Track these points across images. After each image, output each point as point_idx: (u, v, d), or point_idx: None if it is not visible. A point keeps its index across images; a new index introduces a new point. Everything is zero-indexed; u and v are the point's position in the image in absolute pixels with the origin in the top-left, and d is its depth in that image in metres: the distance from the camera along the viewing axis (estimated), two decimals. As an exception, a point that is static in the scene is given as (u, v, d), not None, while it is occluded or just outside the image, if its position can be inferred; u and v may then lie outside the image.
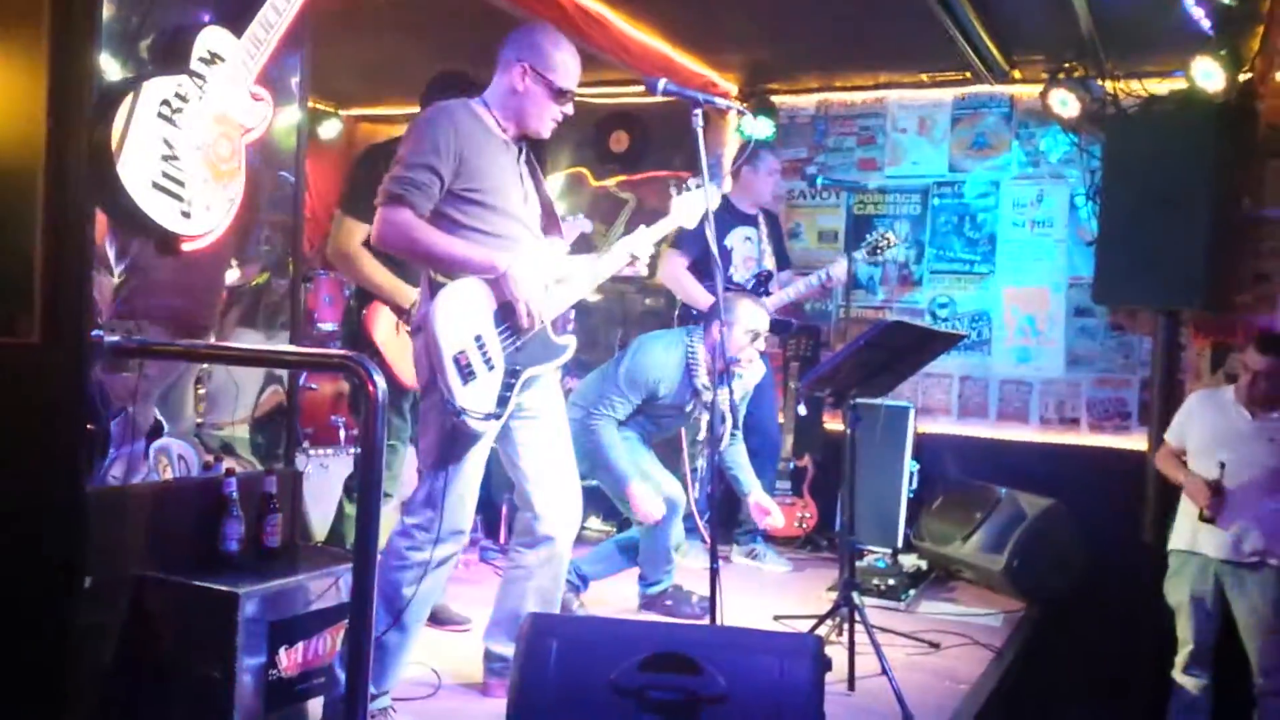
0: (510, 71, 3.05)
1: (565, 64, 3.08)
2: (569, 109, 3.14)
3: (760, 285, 5.40)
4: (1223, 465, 4.19)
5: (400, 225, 2.90)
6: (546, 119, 3.12)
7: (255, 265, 4.00)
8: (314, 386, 5.09)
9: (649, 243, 3.40)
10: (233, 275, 3.80)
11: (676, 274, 5.34)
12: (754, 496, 4.56)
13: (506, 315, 3.01)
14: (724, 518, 5.43)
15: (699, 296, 5.25)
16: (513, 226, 3.07)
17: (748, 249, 5.46)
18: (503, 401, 3.01)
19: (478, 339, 2.95)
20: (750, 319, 4.41)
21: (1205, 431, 4.36)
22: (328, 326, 5.26)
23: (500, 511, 5.31)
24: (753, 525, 5.45)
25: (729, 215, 5.43)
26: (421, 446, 3.12)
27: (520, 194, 3.12)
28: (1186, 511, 4.36)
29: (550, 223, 3.26)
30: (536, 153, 3.29)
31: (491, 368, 2.98)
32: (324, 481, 4.65)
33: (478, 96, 3.11)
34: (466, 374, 2.91)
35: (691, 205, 3.48)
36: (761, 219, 5.53)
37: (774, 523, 4.56)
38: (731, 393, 3.75)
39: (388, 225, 2.92)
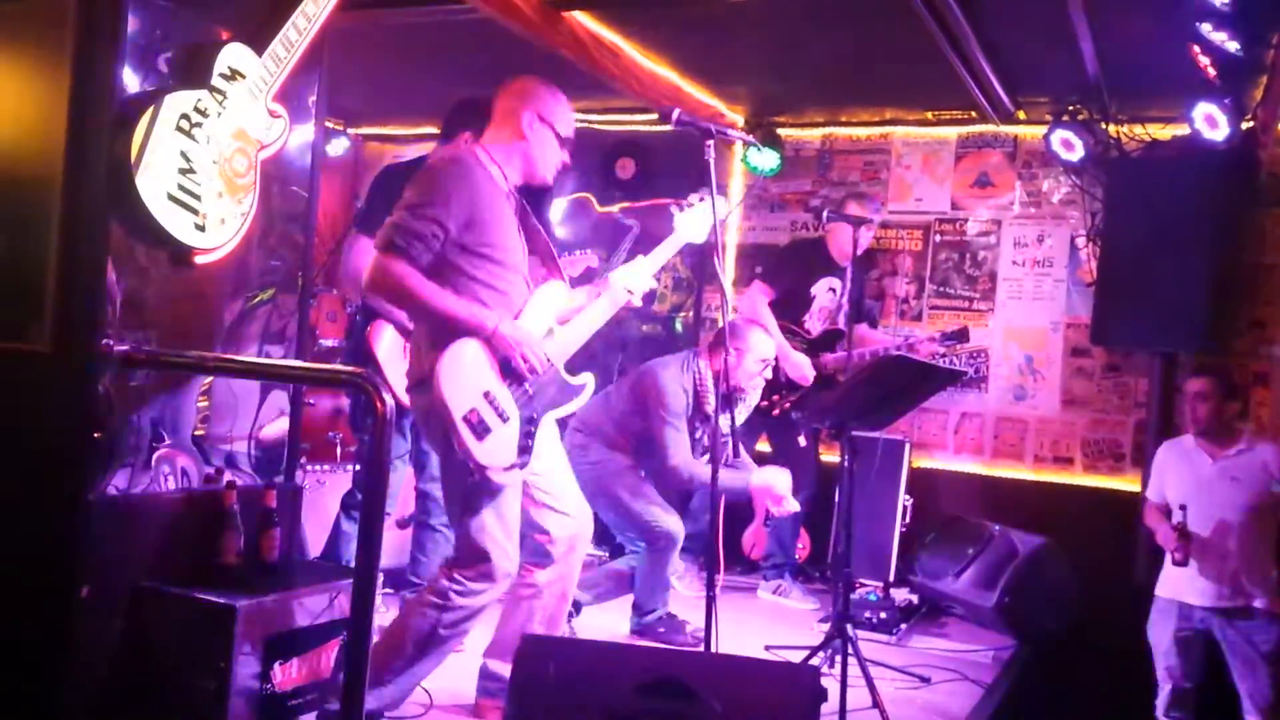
0: (516, 120, 3.11)
1: (567, 112, 3.18)
2: (567, 157, 3.21)
3: (826, 343, 5.40)
4: (1184, 509, 4.24)
5: (395, 276, 2.88)
6: (554, 166, 3.19)
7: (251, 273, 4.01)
8: (311, 402, 5.10)
9: (648, 274, 3.41)
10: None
11: (756, 307, 5.26)
12: (755, 478, 4.37)
13: (510, 368, 3.04)
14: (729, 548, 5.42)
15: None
16: (516, 280, 3.11)
17: (828, 300, 5.45)
18: (524, 450, 3.04)
19: (487, 394, 2.97)
20: (761, 348, 4.44)
21: (1179, 483, 4.41)
22: (329, 343, 5.28)
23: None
24: (780, 560, 5.44)
25: (822, 262, 5.43)
26: (448, 498, 3.15)
27: (520, 246, 3.16)
28: (1168, 560, 4.39)
29: (550, 265, 3.28)
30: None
31: (506, 420, 3.00)
32: (320, 497, 4.65)
33: (478, 145, 3.14)
34: (481, 430, 2.93)
35: (696, 221, 3.47)
36: (850, 273, 5.42)
37: (789, 507, 4.40)
38: (734, 419, 3.76)
39: (382, 274, 2.90)
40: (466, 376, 2.93)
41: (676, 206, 3.54)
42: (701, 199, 3.49)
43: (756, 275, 5.65)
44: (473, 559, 3.01)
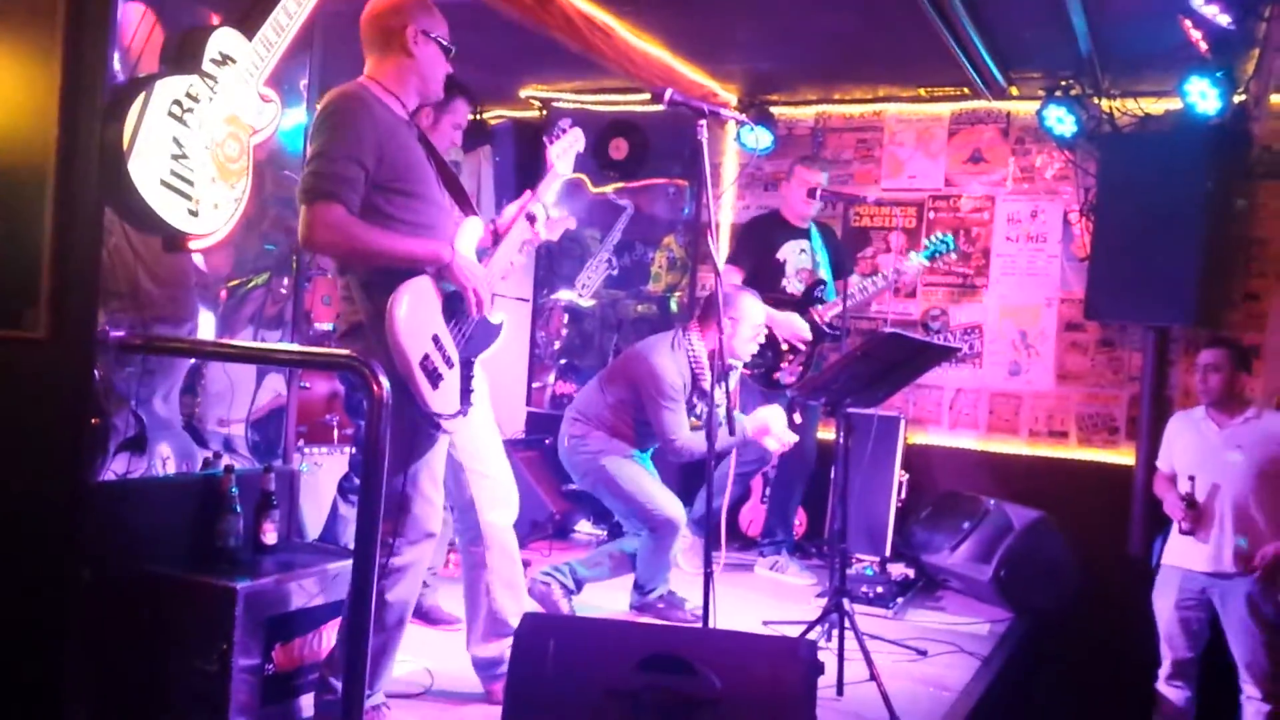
0: (400, 40, 2.94)
1: (442, 19, 3.02)
2: (450, 67, 3.07)
3: (812, 294, 5.42)
4: (1192, 479, 4.30)
5: (336, 225, 2.74)
6: (442, 79, 3.05)
7: (226, 258, 3.98)
8: (307, 385, 5.11)
9: (542, 202, 3.30)
10: (199, 260, 3.77)
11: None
12: (749, 423, 4.42)
13: (451, 308, 2.95)
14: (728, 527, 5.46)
15: None
16: (437, 212, 2.99)
17: (802, 261, 5.48)
18: (465, 396, 2.99)
19: (435, 339, 2.88)
20: (754, 314, 4.45)
21: (1185, 453, 4.48)
22: (324, 326, 5.28)
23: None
24: (777, 537, 5.48)
25: (780, 228, 5.49)
26: None
27: (431, 175, 3.01)
28: (1174, 529, 4.44)
29: (461, 199, 3.14)
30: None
31: (451, 365, 2.93)
32: (317, 480, 4.67)
33: (365, 78, 2.98)
34: (434, 377, 2.85)
35: (564, 151, 3.40)
36: (815, 231, 5.52)
37: (787, 438, 4.46)
38: (729, 394, 3.76)
39: (321, 226, 2.74)
40: (419, 321, 2.82)
41: (549, 139, 3.45)
42: (568, 128, 3.41)
43: (726, 259, 5.68)
44: (393, 511, 2.90)
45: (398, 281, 2.80)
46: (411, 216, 2.90)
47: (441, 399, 2.88)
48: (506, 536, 3.27)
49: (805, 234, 5.51)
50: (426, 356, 2.83)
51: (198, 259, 3.60)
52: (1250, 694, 4.27)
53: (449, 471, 3.17)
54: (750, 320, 4.44)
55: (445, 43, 3.01)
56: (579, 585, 4.35)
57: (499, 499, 3.25)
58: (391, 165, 2.86)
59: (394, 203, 2.87)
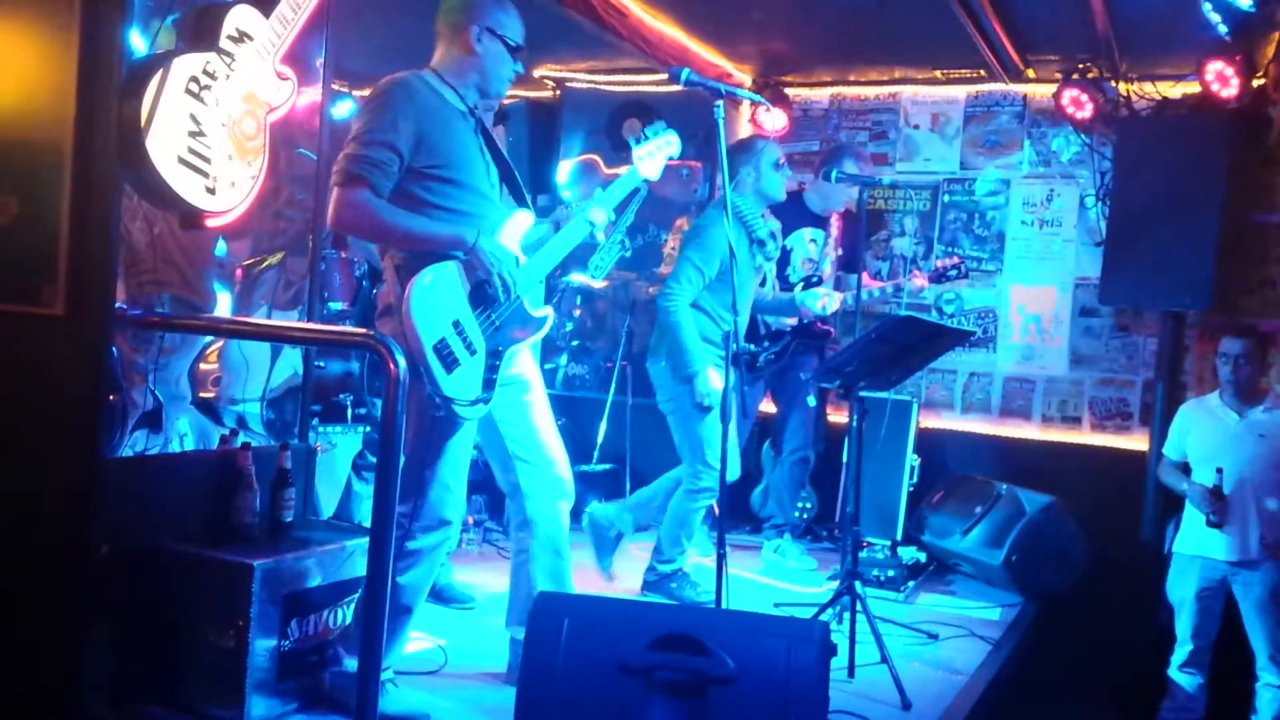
0: (463, 35, 3.03)
1: (515, 20, 3.09)
2: (520, 66, 3.13)
3: (808, 284, 5.37)
4: (1220, 471, 4.26)
5: (360, 207, 2.83)
6: (506, 78, 3.12)
7: (245, 241, 3.98)
8: (322, 365, 5.11)
9: (608, 207, 3.35)
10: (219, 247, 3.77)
11: None
12: (800, 298, 4.57)
13: (481, 296, 2.98)
14: (735, 509, 5.46)
15: None
16: (478, 201, 3.04)
17: (810, 250, 5.44)
18: (489, 385, 2.99)
19: (456, 324, 2.91)
20: (770, 151, 4.50)
21: (1203, 441, 4.45)
22: (337, 306, 5.28)
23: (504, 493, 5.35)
24: (779, 520, 5.48)
25: (798, 214, 5.42)
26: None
27: (482, 166, 3.08)
28: (1192, 518, 4.42)
29: (515, 192, 3.21)
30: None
31: (474, 352, 2.95)
32: (332, 459, 4.68)
33: (427, 68, 3.06)
34: (450, 362, 2.87)
35: (651, 156, 3.45)
36: (834, 223, 5.49)
37: (831, 303, 4.64)
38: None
39: (347, 207, 2.84)
40: (437, 304, 2.86)
41: (634, 139, 3.49)
42: (656, 132, 3.46)
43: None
44: (408, 493, 2.94)
45: (427, 265, 2.86)
46: (452, 204, 2.96)
47: (456, 384, 2.88)
48: (552, 527, 3.25)
49: (823, 224, 5.46)
50: (443, 340, 2.86)
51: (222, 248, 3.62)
52: (1269, 681, 4.27)
53: (500, 458, 3.20)
54: (767, 159, 4.43)
55: (513, 42, 3.07)
56: (618, 537, 4.39)
57: (546, 488, 3.23)
58: (433, 152, 2.92)
59: (431, 189, 2.94)
